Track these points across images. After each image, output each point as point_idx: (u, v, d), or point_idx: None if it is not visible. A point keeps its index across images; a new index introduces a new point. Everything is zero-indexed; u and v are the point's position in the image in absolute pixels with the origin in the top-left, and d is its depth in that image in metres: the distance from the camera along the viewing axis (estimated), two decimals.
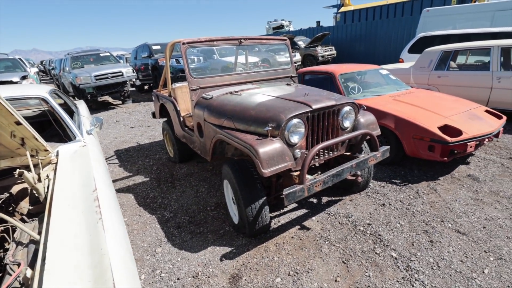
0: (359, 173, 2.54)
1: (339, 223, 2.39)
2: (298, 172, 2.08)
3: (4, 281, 0.97)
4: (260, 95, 2.49)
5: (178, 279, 1.94)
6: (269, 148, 1.90)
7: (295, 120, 2.03)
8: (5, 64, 7.84)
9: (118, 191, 3.25)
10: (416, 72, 5.11)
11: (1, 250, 1.23)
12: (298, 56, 11.52)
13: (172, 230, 2.47)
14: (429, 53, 5.01)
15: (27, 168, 1.34)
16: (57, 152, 1.76)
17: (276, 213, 2.58)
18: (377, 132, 2.51)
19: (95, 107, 8.40)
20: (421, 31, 7.66)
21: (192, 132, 2.98)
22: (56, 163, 1.60)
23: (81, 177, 1.45)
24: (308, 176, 2.10)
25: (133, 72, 8.29)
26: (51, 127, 2.36)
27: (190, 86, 2.75)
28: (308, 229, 2.34)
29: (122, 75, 7.83)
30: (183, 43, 2.70)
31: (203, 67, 8.15)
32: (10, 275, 0.98)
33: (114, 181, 3.52)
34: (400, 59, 6.79)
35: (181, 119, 3.29)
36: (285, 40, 3.39)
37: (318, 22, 16.18)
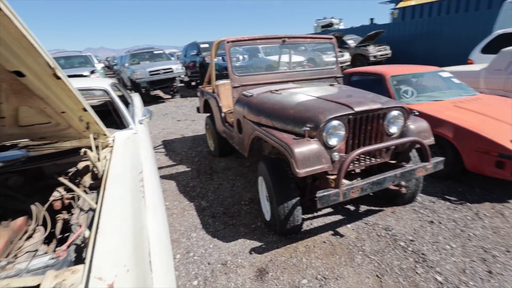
0: (403, 183, 2.38)
1: (376, 234, 2.27)
2: (335, 176, 2.03)
3: (69, 238, 1.16)
4: (300, 95, 2.48)
5: (208, 263, 2.04)
6: (305, 148, 1.89)
7: (335, 122, 1.98)
8: (79, 60, 8.93)
9: (163, 177, 3.50)
10: (489, 76, 4.42)
11: (69, 214, 1.43)
12: (347, 56, 11.03)
13: (207, 218, 2.59)
14: (507, 53, 4.28)
15: (90, 148, 1.53)
16: (114, 137, 1.96)
17: (310, 215, 2.55)
18: (429, 141, 2.30)
19: (148, 100, 9.07)
20: (500, 27, 6.39)
21: (232, 128, 3.08)
22: (112, 147, 1.80)
23: (131, 160, 1.61)
24: (345, 181, 2.04)
25: (182, 68, 8.78)
26: (111, 116, 2.64)
27: (232, 83, 2.84)
28: (341, 236, 2.27)
29: (172, 71, 8.37)
30: (227, 42, 2.80)
31: (246, 66, 8.30)
32: (73, 233, 1.17)
33: (159, 168, 3.80)
34: (469, 60, 5.93)
35: (223, 115, 3.41)
36: (331, 38, 3.31)
37: (371, 20, 15.36)
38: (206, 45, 9.79)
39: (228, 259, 2.06)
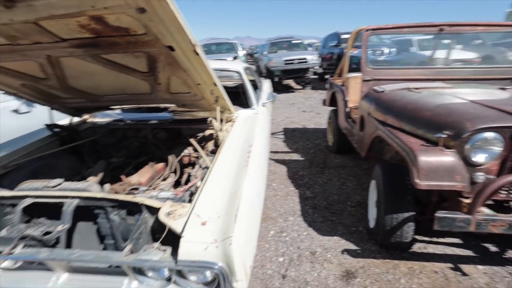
0: None
1: None
2: (471, 200, 1.60)
3: (187, 184, 1.49)
4: (447, 96, 2.05)
5: (298, 248, 2.09)
6: (434, 158, 1.57)
7: (489, 134, 1.54)
8: (226, 46, 10.49)
9: (275, 161, 3.74)
10: None
11: (192, 168, 1.80)
12: None
13: (308, 208, 2.62)
14: None
15: (216, 119, 1.84)
16: (238, 114, 2.26)
17: (427, 238, 2.13)
18: None
19: (279, 88, 9.66)
20: None
21: (354, 124, 2.91)
22: (234, 121, 2.09)
23: (246, 135, 1.84)
24: (485, 210, 1.59)
25: (318, 60, 8.75)
26: (240, 98, 3.03)
27: (363, 76, 2.65)
28: (464, 274, 1.80)
29: (306, 61, 8.49)
30: (366, 30, 2.60)
31: (390, 60, 7.40)
32: (190, 182, 1.49)
33: (274, 152, 4.07)
34: None
35: (347, 109, 3.26)
36: None
37: None
38: (348, 36, 9.39)
39: (318, 251, 2.05)
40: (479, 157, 1.57)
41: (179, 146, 2.06)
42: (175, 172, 1.86)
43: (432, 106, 1.92)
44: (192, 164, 1.88)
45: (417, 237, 2.13)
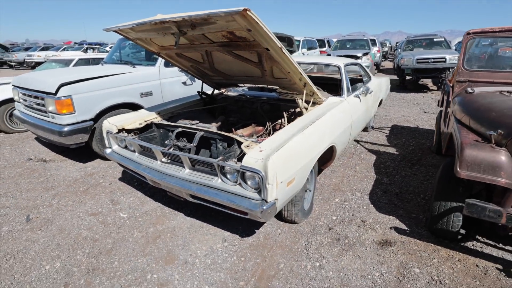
0: None
1: None
2: None
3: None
4: None
5: (352, 215, 2.49)
6: (480, 152, 1.67)
7: None
8: (361, 43, 10.41)
9: (369, 150, 3.95)
10: None
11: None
12: None
13: (378, 190, 2.89)
14: None
15: (301, 100, 2.48)
16: (326, 99, 2.80)
17: (492, 242, 2.09)
18: None
19: (410, 87, 8.90)
20: None
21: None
22: (320, 104, 2.65)
23: (322, 113, 2.41)
24: None
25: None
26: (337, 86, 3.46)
27: (458, 77, 2.62)
28: (509, 276, 1.78)
29: (445, 61, 7.49)
30: (468, 33, 2.54)
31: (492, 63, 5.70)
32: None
33: (370, 143, 4.24)
34: None
35: (448, 110, 3.16)
36: None
37: None
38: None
39: (369, 221, 2.39)
40: None
41: (277, 117, 2.83)
42: (269, 133, 2.65)
43: (502, 107, 1.89)
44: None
45: (480, 238, 2.13)
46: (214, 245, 2.09)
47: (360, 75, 4.11)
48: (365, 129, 4.69)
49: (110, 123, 2.47)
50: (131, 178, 3.11)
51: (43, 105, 3.21)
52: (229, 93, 3.48)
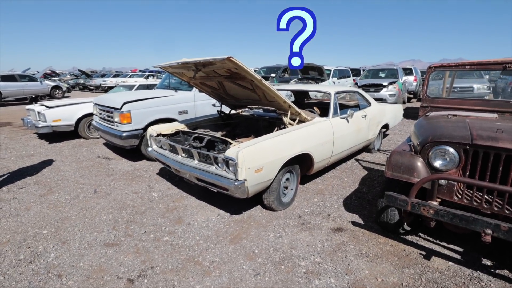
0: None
1: (465, 284, 2.03)
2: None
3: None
4: (472, 120, 2.46)
5: (322, 210, 3.14)
6: (401, 157, 2.28)
7: (445, 147, 2.11)
8: (391, 72, 10.74)
9: (362, 166, 4.50)
10: None
11: None
12: None
13: (353, 196, 3.47)
14: None
15: (286, 117, 3.30)
16: (312, 118, 3.57)
17: (431, 239, 2.58)
18: None
19: None
20: None
21: None
22: (304, 122, 3.43)
23: (298, 127, 3.19)
24: (433, 202, 2.14)
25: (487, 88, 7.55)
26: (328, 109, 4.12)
27: (422, 103, 3.20)
28: (427, 259, 2.29)
29: (472, 90, 7.58)
30: (429, 67, 3.15)
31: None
32: None
33: (369, 162, 4.76)
34: None
35: None
36: None
37: None
38: None
39: (333, 215, 3.00)
40: (436, 163, 2.15)
41: (271, 128, 3.67)
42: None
43: (432, 125, 2.46)
44: None
45: (422, 235, 2.62)
46: (210, 216, 2.94)
47: (358, 102, 4.77)
48: (368, 150, 5.18)
49: (152, 129, 3.58)
50: (164, 173, 4.17)
51: (111, 117, 4.53)
52: (243, 113, 4.44)
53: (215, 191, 2.83)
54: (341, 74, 12.36)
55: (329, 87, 4.34)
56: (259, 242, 2.52)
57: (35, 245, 2.49)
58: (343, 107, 4.25)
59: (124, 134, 4.32)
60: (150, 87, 7.81)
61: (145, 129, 4.53)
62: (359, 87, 9.32)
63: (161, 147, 3.54)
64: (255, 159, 2.58)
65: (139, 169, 4.38)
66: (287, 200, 3.14)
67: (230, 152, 2.54)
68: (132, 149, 4.55)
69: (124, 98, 4.53)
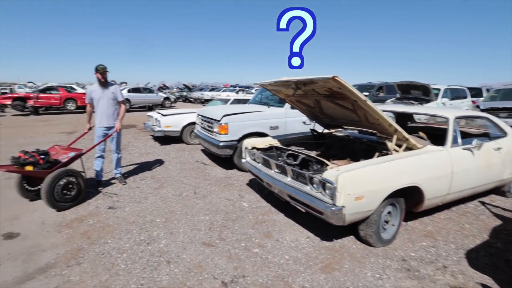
0: None
1: None
2: None
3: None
4: None
5: (435, 259, 2.65)
6: None
7: None
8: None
9: (491, 210, 3.64)
10: None
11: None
12: None
13: (481, 250, 2.79)
14: None
15: (391, 142, 2.99)
16: (423, 146, 3.12)
17: None
18: None
19: None
20: None
21: None
22: (413, 149, 3.02)
23: (407, 155, 2.84)
24: None
25: None
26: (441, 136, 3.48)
27: None
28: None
29: None
30: None
31: None
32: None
33: (502, 208, 3.86)
34: None
35: None
36: None
37: None
38: None
39: (452, 269, 2.48)
40: None
41: (371, 156, 3.37)
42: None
43: None
44: None
45: None
46: (300, 237, 2.85)
47: (486, 130, 3.97)
48: (501, 193, 4.08)
49: (248, 142, 3.78)
50: (254, 184, 4.32)
51: (211, 127, 5.00)
52: (337, 133, 4.27)
53: (304, 211, 2.74)
54: (455, 94, 10.51)
55: (448, 111, 3.76)
56: (355, 278, 2.29)
57: (151, 230, 2.93)
58: (465, 136, 3.57)
59: (221, 143, 4.69)
60: (243, 101, 8.38)
61: (239, 140, 4.82)
62: (482, 110, 7.83)
63: (254, 159, 3.68)
64: (357, 185, 2.39)
65: (231, 177, 4.66)
66: (387, 237, 2.79)
67: (328, 175, 2.42)
68: (225, 158, 4.90)
69: (224, 111, 4.95)
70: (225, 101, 8.61)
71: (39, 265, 2.38)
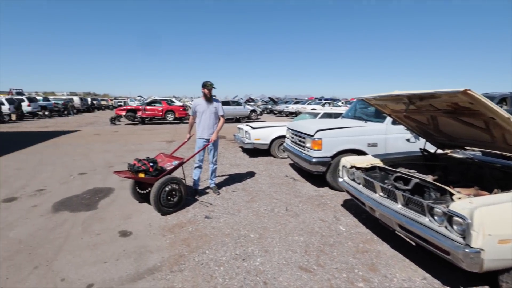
0: None
1: None
2: None
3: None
4: None
5: None
6: None
7: None
8: None
9: None
10: None
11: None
12: None
13: None
14: None
15: None
16: None
17: None
18: None
19: None
20: None
21: None
22: None
23: None
24: None
25: None
26: None
27: None
28: None
29: None
30: None
31: None
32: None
33: None
34: None
35: None
36: None
37: None
38: None
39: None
40: None
41: (509, 186, 2.69)
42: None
43: None
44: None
45: None
46: (413, 277, 2.44)
47: None
48: None
49: (347, 160, 3.53)
50: (350, 206, 4.01)
51: (303, 142, 4.93)
52: (454, 155, 3.60)
53: (414, 244, 2.34)
54: None
55: None
56: None
57: (246, 245, 2.96)
58: None
59: (314, 159, 4.56)
60: (334, 115, 8.06)
61: (333, 157, 4.60)
62: None
63: (354, 180, 3.41)
64: (501, 224, 1.90)
65: (323, 196, 4.46)
66: None
67: (458, 207, 2.00)
68: (317, 175, 4.73)
69: (317, 126, 4.82)
70: (315, 115, 8.43)
71: (147, 265, 2.60)
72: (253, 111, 19.74)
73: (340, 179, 3.63)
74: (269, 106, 27.86)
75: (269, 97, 30.72)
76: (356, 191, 3.21)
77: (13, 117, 18.06)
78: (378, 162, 3.46)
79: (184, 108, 18.91)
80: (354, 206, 3.95)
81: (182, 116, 18.28)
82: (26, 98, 21.25)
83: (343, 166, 3.58)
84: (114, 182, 5.07)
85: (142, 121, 17.18)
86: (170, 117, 17.85)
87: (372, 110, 5.98)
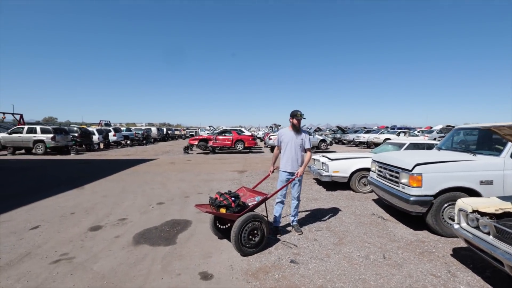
0: None
1: None
2: None
3: None
4: None
5: None
6: None
7: None
8: None
9: None
10: None
11: None
12: None
13: None
14: None
15: None
16: None
17: None
18: None
19: None
20: None
21: None
22: None
23: None
24: None
25: None
26: None
27: None
28: None
29: None
30: None
31: None
32: None
33: None
34: None
35: None
36: None
37: None
38: None
39: None
40: None
41: None
42: None
43: None
44: None
45: None
46: None
47: None
48: None
49: (465, 203, 2.91)
50: (463, 257, 3.26)
51: (397, 177, 4.36)
52: None
53: None
54: None
55: None
56: None
57: None
58: None
59: (412, 198, 3.95)
60: (421, 146, 7.14)
61: (435, 196, 3.92)
62: None
63: (477, 227, 2.77)
64: None
65: (424, 242, 3.77)
66: None
67: None
68: (412, 215, 4.06)
69: (416, 158, 4.23)
70: (399, 146, 7.60)
71: None
72: (323, 140, 19.16)
73: (456, 225, 2.99)
74: (338, 136, 26.77)
75: (337, 126, 29.62)
76: (482, 242, 2.57)
77: (101, 145, 20.97)
78: (509, 207, 2.76)
79: (253, 138, 19.50)
80: (470, 258, 3.19)
81: (251, 145, 18.82)
82: (112, 128, 24.34)
83: (461, 210, 2.96)
84: (191, 214, 5.04)
85: (213, 151, 18.20)
86: (239, 146, 18.57)
87: (473, 140, 5.07)
